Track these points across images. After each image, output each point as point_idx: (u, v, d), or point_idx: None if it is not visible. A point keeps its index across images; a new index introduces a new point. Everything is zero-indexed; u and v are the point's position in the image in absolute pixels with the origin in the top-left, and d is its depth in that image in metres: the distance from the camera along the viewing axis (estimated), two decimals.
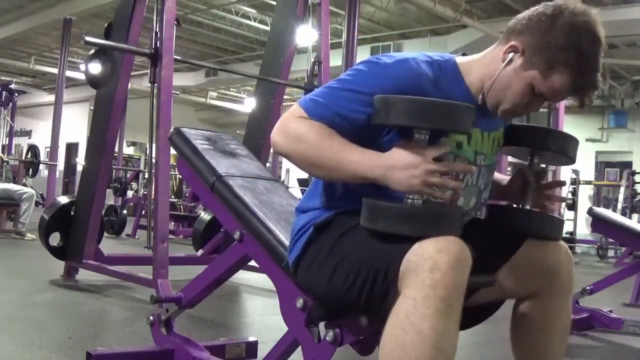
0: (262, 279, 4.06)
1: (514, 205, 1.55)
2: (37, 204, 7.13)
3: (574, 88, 1.32)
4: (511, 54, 1.33)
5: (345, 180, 1.30)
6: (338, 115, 1.29)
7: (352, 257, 1.27)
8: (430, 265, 1.11)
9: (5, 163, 7.52)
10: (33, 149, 9.08)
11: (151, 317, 2.00)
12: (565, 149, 1.49)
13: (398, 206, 1.20)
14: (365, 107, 1.27)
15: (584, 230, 11.17)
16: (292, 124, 1.30)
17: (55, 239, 3.96)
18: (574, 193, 11.59)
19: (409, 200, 1.21)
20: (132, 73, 4.29)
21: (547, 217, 1.49)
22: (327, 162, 1.26)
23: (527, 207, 1.50)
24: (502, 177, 1.63)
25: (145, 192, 7.75)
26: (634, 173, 11.54)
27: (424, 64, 1.34)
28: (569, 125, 9.82)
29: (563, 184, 1.67)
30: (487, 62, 1.38)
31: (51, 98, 12.38)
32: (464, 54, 1.43)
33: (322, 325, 1.45)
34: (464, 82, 1.38)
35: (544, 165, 1.71)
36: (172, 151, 2.54)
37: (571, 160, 1.51)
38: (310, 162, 1.29)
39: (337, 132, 1.28)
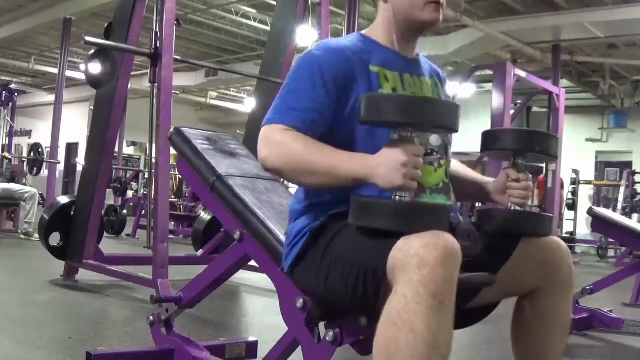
0: (262, 279, 4.05)
1: (502, 207, 1.55)
2: (37, 203, 7.11)
3: None
4: None
5: (338, 183, 1.29)
6: (307, 110, 1.35)
7: (343, 256, 1.28)
8: (418, 261, 1.10)
9: (7, 161, 7.50)
10: (36, 146, 8.99)
11: (151, 317, 2.00)
12: (548, 148, 1.51)
13: (384, 202, 1.21)
14: (323, 90, 1.36)
15: (584, 230, 11.18)
16: (275, 137, 1.34)
17: (55, 239, 3.96)
18: (574, 193, 11.61)
19: (397, 198, 1.21)
20: (132, 73, 4.29)
21: (534, 216, 1.49)
22: (321, 167, 1.28)
23: (514, 207, 1.50)
24: (486, 179, 1.62)
25: (145, 192, 7.76)
26: (634, 173, 11.56)
27: (342, 40, 1.50)
28: (569, 125, 9.84)
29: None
30: (380, 18, 1.51)
31: (51, 98, 12.40)
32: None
33: (322, 325, 1.45)
34: (375, 41, 1.50)
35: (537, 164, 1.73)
36: (172, 151, 2.54)
37: (554, 157, 1.55)
38: (304, 170, 1.30)
39: (315, 128, 1.35)
